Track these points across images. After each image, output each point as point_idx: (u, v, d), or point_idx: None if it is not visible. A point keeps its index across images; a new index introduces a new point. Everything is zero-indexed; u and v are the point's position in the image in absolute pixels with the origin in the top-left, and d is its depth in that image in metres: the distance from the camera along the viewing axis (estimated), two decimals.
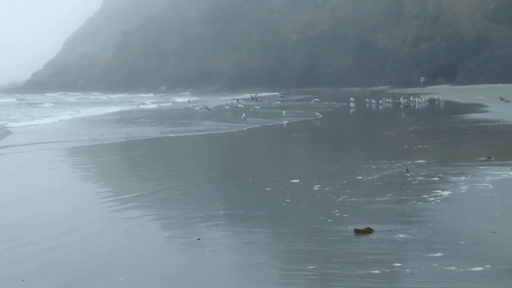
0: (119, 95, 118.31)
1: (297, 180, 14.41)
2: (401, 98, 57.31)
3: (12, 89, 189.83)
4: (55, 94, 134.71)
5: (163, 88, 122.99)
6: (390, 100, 57.64)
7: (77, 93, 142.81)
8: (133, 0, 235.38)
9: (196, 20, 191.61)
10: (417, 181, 13.73)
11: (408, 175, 14.14)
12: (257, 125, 33.29)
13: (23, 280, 8.00)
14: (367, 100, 59.66)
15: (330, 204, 11.74)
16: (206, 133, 29.72)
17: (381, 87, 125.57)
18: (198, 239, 9.66)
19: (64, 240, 9.91)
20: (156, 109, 61.35)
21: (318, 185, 13.64)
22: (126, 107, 63.35)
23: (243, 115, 38.75)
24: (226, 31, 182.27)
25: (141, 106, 59.50)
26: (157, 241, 9.75)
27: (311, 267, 8.11)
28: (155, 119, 43.36)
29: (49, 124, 41.04)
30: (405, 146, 21.63)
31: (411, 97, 60.12)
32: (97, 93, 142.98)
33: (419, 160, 17.03)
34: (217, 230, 10.25)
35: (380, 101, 56.94)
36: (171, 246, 9.46)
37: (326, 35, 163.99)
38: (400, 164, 16.29)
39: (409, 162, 16.50)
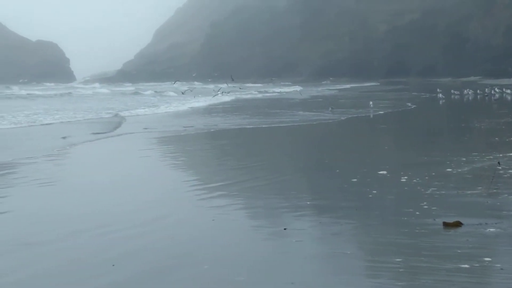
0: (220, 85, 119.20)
1: (385, 172, 14.25)
2: (487, 89, 55.80)
3: (104, 79, 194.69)
4: (165, 84, 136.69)
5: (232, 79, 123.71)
6: (472, 91, 56.23)
7: (179, 82, 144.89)
8: None
9: (284, 10, 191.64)
10: (508, 174, 13.36)
11: (500, 168, 13.78)
12: (344, 117, 33.04)
13: (113, 265, 8.18)
14: (452, 91, 58.42)
15: (418, 196, 11.55)
16: (294, 124, 29.71)
17: (472, 78, 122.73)
18: (285, 229, 9.68)
19: (152, 227, 10.09)
20: (250, 99, 61.74)
21: (405, 177, 13.45)
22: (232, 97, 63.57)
23: (330, 107, 38.61)
24: (313, 21, 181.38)
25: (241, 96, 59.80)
26: (244, 230, 9.82)
27: (398, 259, 8.00)
28: (244, 109, 43.69)
29: (170, 112, 42.09)
30: (496, 139, 21.08)
31: (496, 88, 58.31)
32: (198, 83, 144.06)
33: (511, 153, 16.57)
34: (303, 220, 10.24)
35: (465, 92, 55.70)
36: (257, 235, 9.50)
37: (415, 25, 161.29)
38: (491, 157, 15.88)
39: (501, 155, 16.07)
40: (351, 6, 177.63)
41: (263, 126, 28.85)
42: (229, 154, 20.14)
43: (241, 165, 17.22)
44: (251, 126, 28.67)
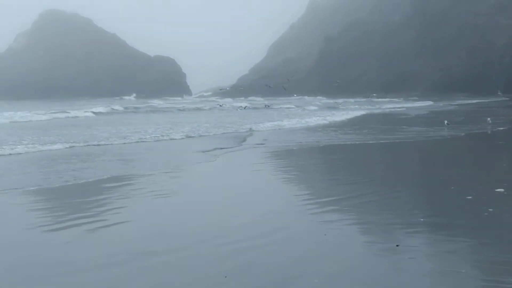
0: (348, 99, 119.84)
1: (502, 189, 13.84)
2: None
3: (220, 93, 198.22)
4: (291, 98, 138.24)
5: (374, 95, 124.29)
6: None
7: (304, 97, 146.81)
8: (337, 6, 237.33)
9: (399, 24, 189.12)
10: None
11: None
12: (462, 133, 32.23)
13: (225, 277, 8.35)
14: None
15: None
16: (407, 140, 29.27)
17: None
18: (397, 245, 9.60)
19: (265, 240, 10.21)
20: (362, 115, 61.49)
21: None
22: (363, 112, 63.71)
23: (446, 121, 37.79)
24: (430, 35, 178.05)
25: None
26: (355, 246, 9.79)
27: None
28: (357, 124, 43.43)
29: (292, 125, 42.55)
30: None
31: None
32: (321, 97, 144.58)
33: None
34: (416, 237, 10.11)
35: None
36: (369, 251, 9.46)
37: None
38: None
39: None
40: (469, 20, 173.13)
41: (380, 142, 28.58)
42: (342, 169, 20.09)
43: (353, 180, 17.14)
44: (365, 142, 28.46)
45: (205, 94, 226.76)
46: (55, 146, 26.78)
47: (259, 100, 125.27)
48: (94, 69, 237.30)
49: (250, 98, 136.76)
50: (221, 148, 25.77)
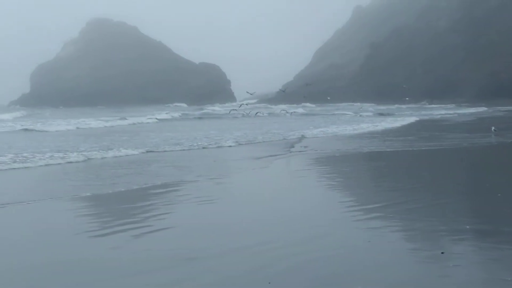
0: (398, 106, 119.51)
1: None
2: None
3: (264, 100, 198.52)
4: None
5: (407, 99, 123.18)
6: None
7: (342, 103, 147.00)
8: (382, 12, 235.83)
9: (445, 29, 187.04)
10: None
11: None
12: (510, 140, 31.70)
13: (269, 283, 8.38)
14: None
15: None
16: (452, 147, 28.95)
17: None
18: (442, 252, 9.52)
19: (309, 246, 10.21)
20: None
21: None
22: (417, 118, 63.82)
23: (493, 128, 37.25)
24: (476, 41, 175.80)
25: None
26: (400, 253, 9.74)
27: None
28: (407, 131, 43.12)
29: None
30: None
31: None
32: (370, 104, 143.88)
33: None
34: (462, 244, 10.01)
35: None
36: (413, 258, 9.40)
37: None
38: None
39: None
40: None
41: (422, 148, 28.34)
42: (386, 176, 19.97)
43: (398, 187, 17.05)
44: (410, 149, 28.25)
45: (250, 101, 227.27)
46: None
47: (311, 107, 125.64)
48: (140, 77, 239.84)
49: (303, 104, 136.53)
50: (271, 156, 25.76)
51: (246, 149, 30.01)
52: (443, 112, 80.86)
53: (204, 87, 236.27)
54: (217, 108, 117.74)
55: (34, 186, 18.93)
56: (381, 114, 75.82)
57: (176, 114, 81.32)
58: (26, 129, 49.05)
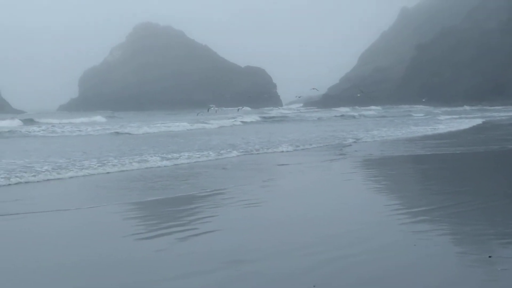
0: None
1: None
2: None
3: (310, 103, 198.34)
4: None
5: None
6: None
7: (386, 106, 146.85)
8: (429, 14, 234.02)
9: (493, 31, 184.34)
10: None
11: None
12: None
13: (314, 286, 8.35)
14: None
15: None
16: (497, 150, 28.54)
17: None
18: (490, 256, 9.40)
19: (353, 250, 10.16)
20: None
21: None
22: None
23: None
24: None
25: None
26: (446, 256, 9.62)
27: None
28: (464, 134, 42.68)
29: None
30: None
31: None
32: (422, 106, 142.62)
33: None
34: (510, 248, 9.86)
35: None
36: (461, 262, 9.30)
37: None
38: None
39: None
40: None
41: (468, 152, 28.02)
42: (432, 179, 19.78)
43: (444, 190, 16.86)
44: (456, 152, 27.94)
45: (295, 106, 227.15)
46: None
47: (376, 109, 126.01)
48: (187, 80, 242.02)
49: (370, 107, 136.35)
50: (321, 160, 25.66)
51: (301, 153, 29.85)
52: (502, 114, 79.71)
53: (250, 91, 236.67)
54: (284, 111, 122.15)
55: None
56: (453, 117, 74.68)
57: (256, 118, 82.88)
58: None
